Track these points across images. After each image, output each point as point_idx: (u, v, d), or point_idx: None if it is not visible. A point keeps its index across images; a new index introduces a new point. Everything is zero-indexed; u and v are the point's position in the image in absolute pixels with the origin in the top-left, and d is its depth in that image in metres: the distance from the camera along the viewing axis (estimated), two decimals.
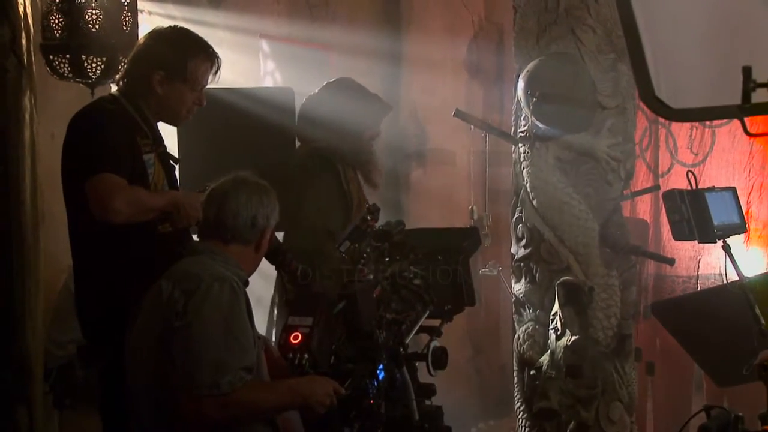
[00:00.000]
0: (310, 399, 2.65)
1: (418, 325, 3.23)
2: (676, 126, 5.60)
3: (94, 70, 3.66)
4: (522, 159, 4.41)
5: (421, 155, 6.54)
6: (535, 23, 4.32)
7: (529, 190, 4.36)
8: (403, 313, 3.18)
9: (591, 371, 4.14)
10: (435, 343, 3.19)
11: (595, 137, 4.24)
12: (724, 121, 5.04)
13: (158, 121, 3.15)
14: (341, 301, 2.86)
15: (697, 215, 3.28)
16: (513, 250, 4.54)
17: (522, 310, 4.48)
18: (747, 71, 1.47)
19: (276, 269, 3.30)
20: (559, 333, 4.19)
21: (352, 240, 3.20)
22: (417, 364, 3.20)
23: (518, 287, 4.50)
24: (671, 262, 4.70)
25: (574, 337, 4.13)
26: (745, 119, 1.67)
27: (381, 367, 2.96)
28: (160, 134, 3.14)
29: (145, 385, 2.66)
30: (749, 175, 5.38)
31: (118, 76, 3.20)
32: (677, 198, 3.32)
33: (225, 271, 2.68)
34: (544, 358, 4.25)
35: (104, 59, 3.65)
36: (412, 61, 6.37)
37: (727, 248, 3.31)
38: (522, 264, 4.45)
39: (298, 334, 2.67)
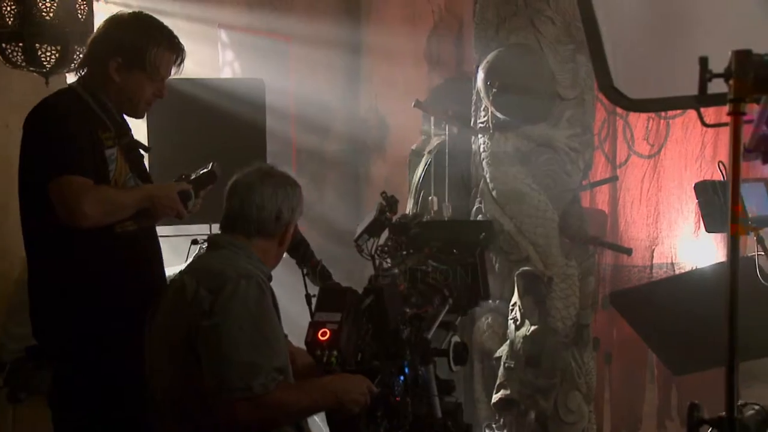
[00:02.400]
0: (345, 398, 2.55)
1: (439, 320, 3.12)
2: (633, 117, 5.65)
3: (48, 58, 3.59)
4: (481, 150, 4.42)
5: (380, 146, 6.54)
6: (495, 14, 4.32)
7: (488, 180, 4.37)
8: (423, 308, 3.07)
9: (550, 361, 4.16)
10: (455, 339, 3.08)
11: (554, 128, 4.26)
12: (679, 112, 5.11)
13: (120, 112, 2.99)
14: (368, 296, 2.74)
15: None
16: None
17: (482, 301, 4.49)
18: (704, 62, 1.49)
19: (297, 264, 3.14)
20: (518, 323, 4.21)
21: (371, 233, 3.10)
22: (437, 359, 3.09)
23: None
24: (629, 252, 4.74)
25: (533, 327, 4.15)
26: (701, 110, 1.69)
27: (405, 363, 2.85)
28: (123, 124, 2.97)
29: (168, 384, 2.57)
30: (701, 166, 5.45)
31: (76, 64, 3.08)
32: (710, 189, 3.25)
33: (250, 268, 2.59)
34: (504, 348, 4.27)
35: (58, 48, 3.58)
36: (372, 52, 6.36)
37: (761, 240, 3.26)
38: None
39: (326, 330, 2.55)
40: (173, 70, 3.01)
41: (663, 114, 5.54)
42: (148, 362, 2.66)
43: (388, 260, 3.12)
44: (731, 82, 1.47)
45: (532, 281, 4.20)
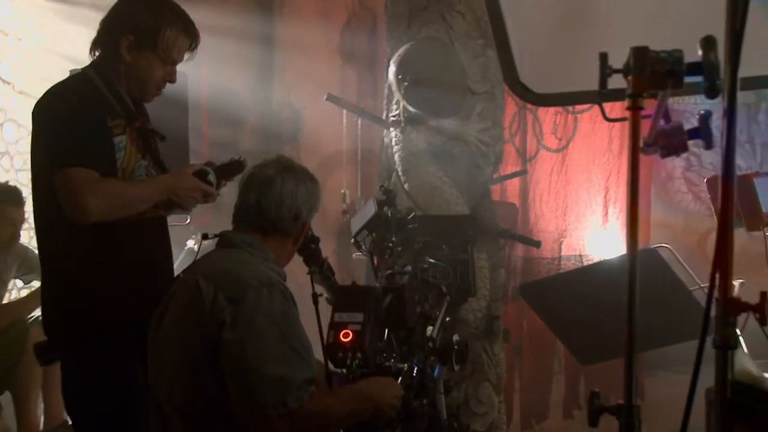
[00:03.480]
0: (382, 403, 2.45)
1: (441, 318, 3.03)
2: (542, 112, 5.76)
3: None
4: (394, 143, 4.45)
5: (294, 140, 6.51)
6: (406, 8, 4.35)
7: (400, 174, 4.40)
8: (425, 305, 2.98)
9: None
10: (456, 337, 3.00)
11: (465, 122, 4.31)
12: (587, 107, 5.22)
13: (131, 96, 2.80)
14: (387, 295, 2.65)
15: (744, 202, 3.13)
16: None
17: None
18: (603, 57, 1.53)
19: (304, 261, 2.92)
20: None
21: (371, 229, 3.00)
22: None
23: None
24: (538, 244, 4.82)
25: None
26: (604, 105, 1.74)
27: (416, 364, 2.76)
28: (135, 109, 2.80)
29: (174, 391, 2.44)
30: (608, 160, 5.59)
31: (91, 43, 2.82)
32: (746, 185, 3.16)
33: (270, 273, 2.45)
34: None
35: None
36: (285, 46, 6.32)
37: None
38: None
39: (349, 331, 2.45)
40: (186, 56, 2.85)
41: (570, 109, 5.66)
42: (152, 363, 2.52)
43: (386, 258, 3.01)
44: (630, 77, 1.51)
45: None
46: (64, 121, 2.60)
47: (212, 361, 2.33)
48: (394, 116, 4.45)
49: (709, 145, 1.60)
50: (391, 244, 3.01)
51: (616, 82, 1.57)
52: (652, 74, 1.50)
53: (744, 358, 2.92)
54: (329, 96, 4.70)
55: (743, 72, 1.45)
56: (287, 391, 2.27)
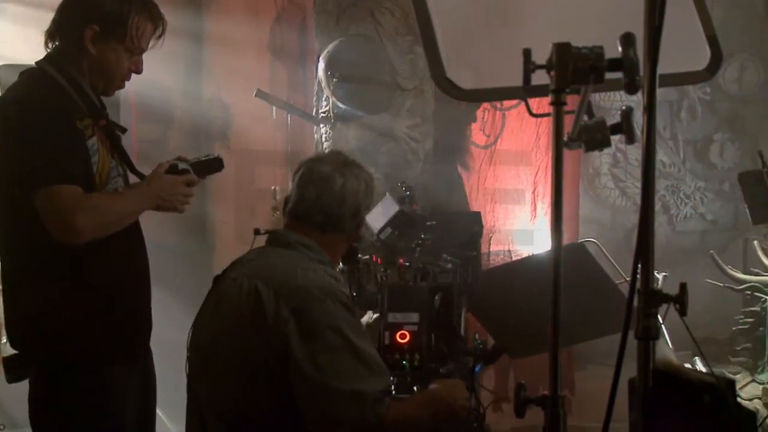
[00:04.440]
0: (457, 404, 2.36)
1: (463, 317, 2.93)
2: (470, 108, 5.81)
3: None
4: (324, 139, 4.45)
5: (224, 136, 6.46)
6: (335, 5, 4.36)
7: None
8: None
9: None
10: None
11: (394, 118, 4.34)
12: (514, 103, 5.28)
13: (93, 90, 2.58)
14: (436, 294, 2.56)
15: (754, 195, 3.09)
16: None
17: None
18: (527, 53, 1.54)
19: (342, 259, 2.73)
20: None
21: (395, 227, 2.90)
22: None
23: None
24: None
25: (375, 315, 4.21)
26: (531, 101, 1.76)
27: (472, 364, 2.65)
28: (98, 103, 2.58)
29: (220, 396, 2.34)
30: (536, 156, 5.66)
31: (45, 33, 2.57)
32: (754, 179, 3.14)
33: (330, 280, 2.33)
34: None
35: None
36: (214, 41, 6.26)
37: None
38: None
39: (405, 332, 2.38)
40: (152, 43, 2.63)
41: (498, 105, 5.72)
42: (195, 363, 2.42)
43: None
44: (552, 73, 1.53)
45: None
46: (33, 130, 2.38)
47: (271, 373, 2.24)
48: (323, 112, 4.45)
49: (631, 140, 1.62)
50: (420, 242, 2.91)
51: (542, 78, 1.59)
52: (575, 70, 1.52)
53: (665, 349, 2.99)
54: (258, 92, 4.68)
55: (663, 69, 1.47)
56: (364, 405, 2.19)
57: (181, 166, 2.66)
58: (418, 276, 2.81)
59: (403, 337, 2.39)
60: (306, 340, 2.21)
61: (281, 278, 2.30)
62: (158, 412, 2.92)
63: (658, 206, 6.74)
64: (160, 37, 2.64)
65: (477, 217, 3.77)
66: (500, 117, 5.73)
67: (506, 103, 5.34)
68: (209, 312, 2.44)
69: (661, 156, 6.76)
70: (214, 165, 2.77)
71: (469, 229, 3.31)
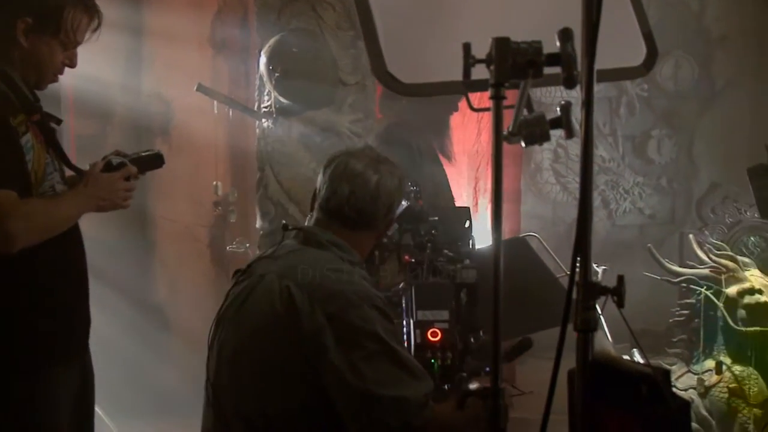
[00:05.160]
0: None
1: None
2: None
3: None
4: (266, 135, 4.43)
5: (165, 132, 6.39)
6: None
7: (273, 165, 4.38)
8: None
9: None
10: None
11: (337, 113, 4.33)
12: (457, 98, 5.31)
13: (25, 83, 2.47)
14: (461, 290, 2.48)
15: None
16: (258, 225, 4.55)
17: None
18: (467, 48, 1.55)
19: None
20: None
21: (401, 223, 2.80)
22: None
23: None
24: None
25: None
26: (472, 95, 1.77)
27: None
28: (31, 97, 2.46)
29: (245, 397, 2.27)
30: (478, 151, 5.70)
31: None
32: (764, 173, 3.12)
33: (365, 284, 2.27)
34: None
35: None
36: (154, 35, 6.18)
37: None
38: (268, 239, 4.47)
39: (436, 330, 2.30)
40: (88, 36, 2.53)
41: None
42: (217, 362, 2.35)
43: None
44: (492, 67, 1.54)
45: None
46: None
47: (303, 378, 2.20)
48: (265, 107, 4.43)
49: (570, 135, 1.64)
50: (430, 238, 2.85)
51: (483, 72, 1.60)
52: (514, 64, 1.53)
53: (604, 341, 3.04)
54: (199, 87, 4.63)
55: (601, 64, 1.49)
56: (409, 411, 2.16)
57: (116, 161, 2.59)
58: (429, 273, 2.78)
59: (434, 335, 2.32)
60: (344, 347, 2.16)
61: (315, 281, 2.24)
62: (97, 410, 2.88)
63: (597, 201, 6.83)
64: (96, 30, 2.55)
65: (467, 211, 3.79)
66: None
67: (444, 95, 5.36)
68: (236, 310, 2.36)
69: (600, 151, 6.86)
70: (153, 161, 2.72)
71: (460, 224, 3.26)
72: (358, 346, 2.16)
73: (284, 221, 2.54)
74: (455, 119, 5.70)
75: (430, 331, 2.31)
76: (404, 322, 2.49)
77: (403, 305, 2.56)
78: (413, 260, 2.77)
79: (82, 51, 2.62)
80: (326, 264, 2.30)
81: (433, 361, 2.31)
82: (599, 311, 2.66)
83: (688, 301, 4.63)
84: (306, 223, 2.48)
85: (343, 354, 2.16)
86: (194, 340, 5.96)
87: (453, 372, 2.32)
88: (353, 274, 2.30)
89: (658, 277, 4.66)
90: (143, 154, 2.71)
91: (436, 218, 3.02)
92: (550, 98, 6.45)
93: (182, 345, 6.00)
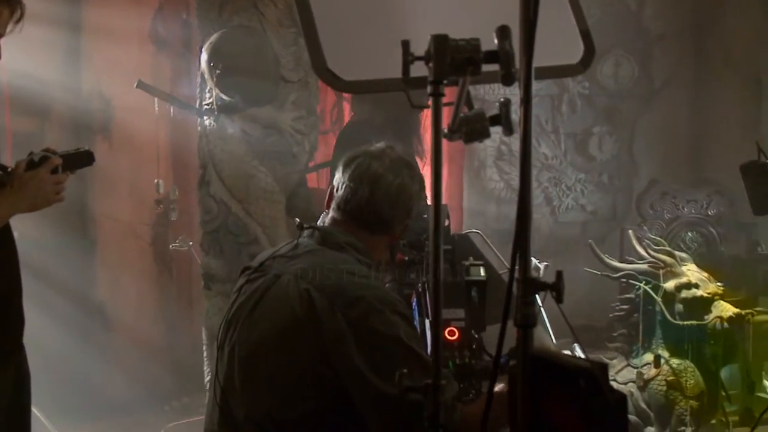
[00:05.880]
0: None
1: None
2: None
3: None
4: (208, 132, 4.40)
5: (105, 130, 6.30)
6: None
7: (215, 163, 4.35)
8: None
9: None
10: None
11: (279, 110, 4.32)
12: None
13: None
14: (471, 289, 2.36)
15: (755, 186, 3.07)
16: (201, 223, 4.52)
17: (211, 284, 4.48)
18: (405, 45, 1.55)
19: None
20: None
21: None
22: None
23: (207, 261, 4.49)
24: None
25: None
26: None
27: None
28: None
29: (259, 400, 2.23)
30: (426, 149, 5.71)
31: None
32: (757, 170, 3.09)
33: (384, 288, 2.22)
34: None
35: None
36: (93, 31, 6.10)
37: None
38: (210, 237, 4.45)
39: (454, 329, 2.24)
40: (11, 27, 2.46)
41: None
42: (227, 364, 2.29)
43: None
44: (430, 65, 1.54)
45: None
46: None
47: (322, 383, 2.16)
48: (207, 104, 4.40)
49: (509, 132, 1.65)
50: (426, 236, 2.77)
51: (423, 69, 1.60)
52: (452, 62, 1.53)
53: (544, 336, 3.07)
54: (140, 83, 4.58)
55: (539, 62, 1.50)
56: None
57: (38, 156, 2.54)
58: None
59: (452, 333, 2.27)
60: (368, 352, 2.13)
61: (336, 286, 2.20)
62: (36, 411, 2.83)
63: (540, 198, 6.89)
64: (18, 21, 2.47)
65: (444, 209, 3.76)
66: None
67: (385, 92, 5.36)
68: (251, 310, 2.31)
69: (543, 149, 6.92)
70: (83, 158, 2.67)
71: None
72: (381, 351, 2.13)
73: (298, 219, 2.47)
74: None
75: (448, 330, 2.27)
76: (416, 322, 2.46)
77: (414, 305, 2.54)
78: (406, 258, 2.76)
79: (19, 47, 2.57)
80: (346, 267, 2.26)
81: (449, 360, 2.27)
82: (540, 305, 2.68)
83: (627, 296, 4.71)
84: (320, 222, 2.44)
85: (366, 359, 2.12)
86: (136, 339, 5.95)
87: (470, 370, 2.27)
88: (373, 279, 2.27)
89: (599, 273, 4.73)
90: (72, 151, 2.65)
91: (426, 216, 3.01)
92: (493, 95, 6.49)
93: (124, 345, 5.94)
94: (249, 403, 2.26)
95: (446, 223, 3.27)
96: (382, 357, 2.13)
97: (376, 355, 2.13)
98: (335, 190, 2.40)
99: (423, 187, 2.43)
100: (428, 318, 2.38)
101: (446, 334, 2.27)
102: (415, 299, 2.58)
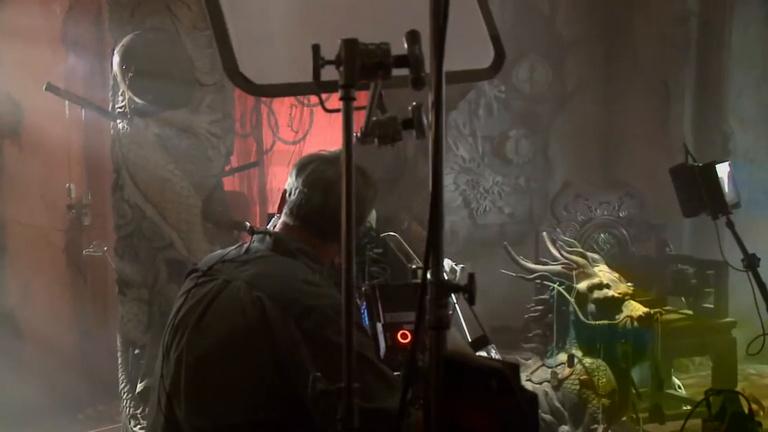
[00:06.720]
0: None
1: None
2: (277, 104, 5.79)
3: None
4: (121, 136, 4.33)
5: (15, 133, 6.15)
6: None
7: (129, 166, 4.29)
8: None
9: None
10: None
11: (194, 114, 4.28)
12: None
13: None
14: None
15: (709, 190, 3.09)
16: (115, 228, 4.45)
17: (126, 290, 4.41)
18: (316, 49, 1.55)
19: None
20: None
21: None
22: None
23: (122, 266, 4.42)
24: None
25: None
26: (332, 97, 1.77)
27: None
28: None
29: (215, 408, 2.15)
30: None
31: None
32: (686, 173, 3.11)
33: (338, 296, 2.08)
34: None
35: None
36: (1, 33, 5.95)
37: (730, 225, 3.11)
38: (125, 242, 4.38)
39: (406, 332, 2.21)
40: None
41: (306, 101, 5.74)
42: (176, 372, 2.22)
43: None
44: (341, 69, 1.55)
45: (177, 267, 4.18)
46: None
47: (274, 391, 2.12)
48: (120, 108, 4.33)
49: (421, 135, 1.67)
50: (369, 240, 2.82)
51: (335, 74, 1.60)
52: (363, 66, 1.54)
53: (458, 338, 3.09)
54: (48, 86, 4.48)
55: (450, 66, 1.52)
56: (391, 421, 2.00)
57: None
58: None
59: (404, 336, 2.25)
60: (322, 362, 2.07)
61: (289, 295, 2.17)
62: None
63: (459, 201, 6.96)
64: None
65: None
66: (308, 113, 5.76)
67: (313, 99, 5.36)
68: (199, 316, 2.25)
69: (461, 152, 6.98)
70: None
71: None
72: (336, 361, 2.04)
73: (248, 223, 2.45)
74: (321, 120, 5.73)
75: (401, 332, 2.26)
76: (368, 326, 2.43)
77: (363, 310, 2.54)
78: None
79: None
80: (299, 275, 2.24)
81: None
82: (456, 306, 2.70)
83: (542, 297, 4.78)
84: (271, 225, 2.41)
85: (321, 369, 2.03)
86: (49, 346, 5.81)
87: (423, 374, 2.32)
88: (325, 288, 2.24)
89: (514, 275, 4.79)
90: None
91: (370, 223, 3.00)
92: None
93: (36, 352, 5.80)
94: (196, 410, 2.22)
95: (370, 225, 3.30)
96: (337, 367, 2.06)
97: (330, 364, 2.05)
98: (288, 194, 2.38)
99: (377, 194, 2.41)
100: (380, 322, 2.32)
101: (399, 337, 2.26)
102: (364, 303, 2.59)
